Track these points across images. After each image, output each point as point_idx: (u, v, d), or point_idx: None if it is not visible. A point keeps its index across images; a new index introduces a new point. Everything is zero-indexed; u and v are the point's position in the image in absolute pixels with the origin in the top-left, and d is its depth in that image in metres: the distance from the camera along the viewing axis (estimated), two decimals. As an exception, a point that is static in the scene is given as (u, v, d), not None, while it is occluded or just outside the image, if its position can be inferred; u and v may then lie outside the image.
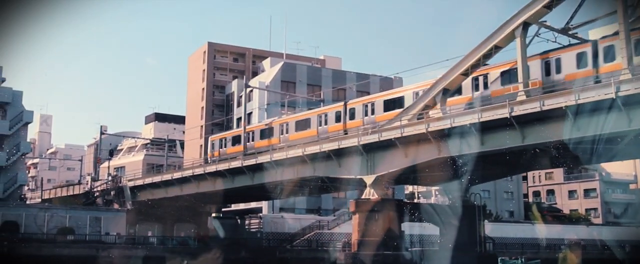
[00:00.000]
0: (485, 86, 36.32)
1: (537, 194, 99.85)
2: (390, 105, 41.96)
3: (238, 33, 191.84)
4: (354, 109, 44.38)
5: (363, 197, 40.35)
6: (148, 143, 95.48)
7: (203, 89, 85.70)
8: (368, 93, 78.99)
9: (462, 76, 36.06)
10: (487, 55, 35.02)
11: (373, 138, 39.17)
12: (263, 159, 46.87)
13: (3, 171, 59.00)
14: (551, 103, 30.85)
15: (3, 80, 61.13)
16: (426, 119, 36.52)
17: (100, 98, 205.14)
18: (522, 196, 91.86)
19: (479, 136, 34.36)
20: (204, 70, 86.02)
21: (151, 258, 49.90)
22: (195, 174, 53.43)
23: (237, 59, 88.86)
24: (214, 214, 69.29)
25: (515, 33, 33.46)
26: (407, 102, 40.30)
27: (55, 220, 55.62)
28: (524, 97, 32.59)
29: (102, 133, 77.91)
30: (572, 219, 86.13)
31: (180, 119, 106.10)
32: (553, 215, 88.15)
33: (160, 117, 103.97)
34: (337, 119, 45.16)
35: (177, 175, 55.64)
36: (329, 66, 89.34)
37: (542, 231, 73.08)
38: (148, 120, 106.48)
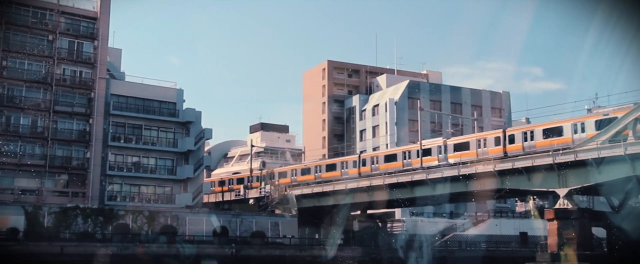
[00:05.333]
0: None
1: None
2: (549, 133, 50.16)
3: (328, 47, 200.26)
4: (513, 135, 52.70)
5: (557, 207, 48.20)
6: (261, 151, 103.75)
7: (323, 103, 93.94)
8: (480, 107, 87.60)
9: (652, 107, 44.02)
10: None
11: (569, 158, 47.03)
12: (450, 173, 54.93)
13: (190, 182, 67.44)
14: None
15: (184, 101, 69.58)
16: (623, 143, 44.35)
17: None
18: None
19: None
20: (323, 85, 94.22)
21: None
22: (372, 184, 61.39)
23: (351, 75, 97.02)
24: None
25: None
26: (566, 132, 48.74)
27: (245, 225, 64.08)
28: None
29: (252, 146, 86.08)
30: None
31: (283, 129, 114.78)
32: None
33: (265, 127, 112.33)
34: (497, 144, 53.25)
35: (351, 185, 63.56)
36: (432, 80, 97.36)
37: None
38: (253, 129, 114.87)
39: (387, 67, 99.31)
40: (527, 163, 49.65)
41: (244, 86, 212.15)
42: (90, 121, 62.84)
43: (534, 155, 49.87)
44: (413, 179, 57.87)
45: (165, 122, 67.57)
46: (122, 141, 65.06)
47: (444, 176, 55.31)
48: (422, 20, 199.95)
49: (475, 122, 69.71)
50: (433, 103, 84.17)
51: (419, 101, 72.05)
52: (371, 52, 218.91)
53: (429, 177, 56.53)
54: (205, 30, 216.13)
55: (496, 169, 51.61)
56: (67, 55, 63.27)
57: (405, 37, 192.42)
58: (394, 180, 59.38)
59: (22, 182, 60.01)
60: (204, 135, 69.17)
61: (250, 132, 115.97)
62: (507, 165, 50.92)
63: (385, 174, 61.56)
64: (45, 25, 62.67)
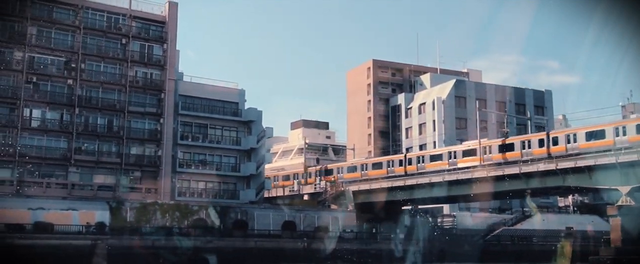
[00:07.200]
0: None
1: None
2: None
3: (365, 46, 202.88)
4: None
5: (620, 203, 50.81)
6: (304, 147, 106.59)
7: (369, 101, 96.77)
8: (523, 105, 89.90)
9: None
10: None
11: (631, 157, 49.64)
12: (510, 170, 57.65)
13: (253, 178, 70.50)
14: None
15: (245, 101, 72.57)
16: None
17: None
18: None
19: None
20: (368, 84, 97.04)
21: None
22: (444, 179, 63.98)
23: (394, 74, 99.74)
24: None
25: None
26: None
27: (308, 220, 67.08)
28: None
29: (306, 143, 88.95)
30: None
31: (323, 125, 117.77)
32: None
33: (306, 123, 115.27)
34: (638, 131, 52.14)
35: (423, 180, 65.83)
36: (472, 78, 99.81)
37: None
38: (294, 126, 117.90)
39: (429, 65, 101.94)
40: (589, 162, 52.25)
41: (273, 83, 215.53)
42: (161, 120, 65.94)
43: (596, 154, 52.37)
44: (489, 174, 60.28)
45: (229, 121, 70.58)
46: (189, 140, 68.16)
47: (522, 172, 57.43)
48: (433, 15, 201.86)
49: (529, 121, 72.16)
50: (478, 101, 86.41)
51: (477, 101, 74.82)
52: (396, 51, 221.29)
53: (506, 172, 58.78)
54: (226, 26, 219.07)
55: (558, 167, 54.27)
56: (139, 58, 66.44)
57: (413, 33, 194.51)
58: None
59: (98, 178, 63.34)
60: (265, 134, 72.15)
61: (292, 129, 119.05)
62: (570, 164, 53.54)
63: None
64: (118, 29, 65.85)
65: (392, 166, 72.73)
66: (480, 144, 62.64)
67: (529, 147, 58.56)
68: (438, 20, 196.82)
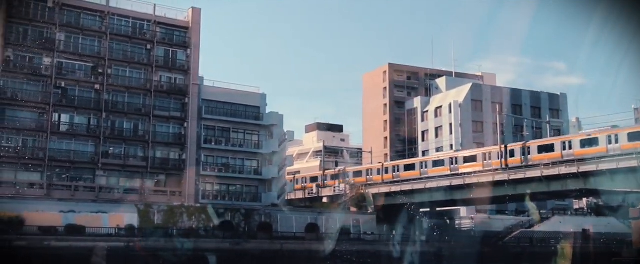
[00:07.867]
0: None
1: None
2: None
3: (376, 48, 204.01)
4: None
5: (642, 206, 51.76)
6: (319, 151, 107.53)
7: (385, 104, 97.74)
8: (539, 108, 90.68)
9: None
10: None
11: (653, 161, 50.49)
12: (532, 173, 58.51)
13: (275, 181, 71.55)
14: None
15: (266, 105, 73.66)
16: None
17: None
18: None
19: None
20: (385, 87, 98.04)
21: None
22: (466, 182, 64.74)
23: (409, 77, 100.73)
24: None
25: None
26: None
27: (330, 222, 68.04)
28: None
29: (325, 147, 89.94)
30: None
31: (337, 128, 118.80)
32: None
33: (321, 127, 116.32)
34: (582, 145, 55.20)
35: (443, 182, 66.67)
36: (486, 81, 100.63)
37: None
38: (308, 129, 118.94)
39: (444, 69, 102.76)
40: (611, 165, 53.05)
41: (276, 84, 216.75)
42: (185, 124, 67.11)
43: (619, 157, 53.17)
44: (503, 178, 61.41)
45: (251, 125, 71.65)
46: (213, 143, 69.25)
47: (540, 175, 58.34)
48: (434, 15, 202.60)
49: (548, 125, 73.08)
50: (493, 105, 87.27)
51: (497, 106, 75.58)
52: (396, 52, 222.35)
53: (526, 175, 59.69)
54: (228, 28, 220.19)
55: (580, 171, 55.11)
56: (163, 63, 67.61)
57: (414, 34, 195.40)
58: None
59: (124, 181, 64.46)
60: (286, 137, 73.21)
61: (306, 132, 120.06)
62: (592, 167, 54.33)
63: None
64: (143, 35, 67.05)
65: (371, 175, 75.20)
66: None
67: (490, 158, 61.72)
68: (439, 21, 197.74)
